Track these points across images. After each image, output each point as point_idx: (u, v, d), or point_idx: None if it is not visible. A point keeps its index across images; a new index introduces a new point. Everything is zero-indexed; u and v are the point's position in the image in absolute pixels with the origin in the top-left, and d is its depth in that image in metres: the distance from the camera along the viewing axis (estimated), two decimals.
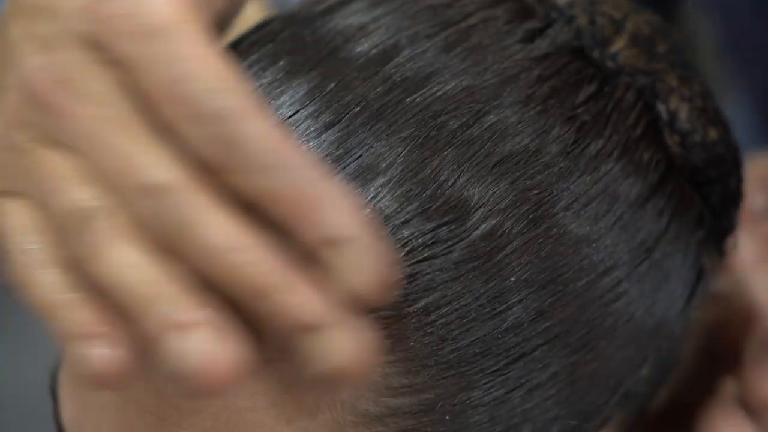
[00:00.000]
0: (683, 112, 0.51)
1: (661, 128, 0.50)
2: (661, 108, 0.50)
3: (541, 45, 0.49)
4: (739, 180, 0.54)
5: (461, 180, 0.45)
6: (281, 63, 0.47)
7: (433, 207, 0.45)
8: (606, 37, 0.51)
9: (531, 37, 0.49)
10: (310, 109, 0.46)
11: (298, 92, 0.46)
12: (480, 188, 0.45)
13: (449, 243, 0.45)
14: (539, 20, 0.50)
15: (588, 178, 0.47)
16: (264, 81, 0.47)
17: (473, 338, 0.45)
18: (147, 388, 0.45)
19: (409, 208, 0.45)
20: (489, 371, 0.46)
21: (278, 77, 0.47)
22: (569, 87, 0.48)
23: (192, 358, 0.38)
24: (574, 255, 0.47)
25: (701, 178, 0.52)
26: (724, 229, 0.54)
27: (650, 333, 0.50)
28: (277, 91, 0.46)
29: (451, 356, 0.45)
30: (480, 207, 0.45)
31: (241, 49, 0.49)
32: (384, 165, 0.45)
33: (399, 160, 0.45)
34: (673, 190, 0.50)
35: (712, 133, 0.52)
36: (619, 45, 0.51)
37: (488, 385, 0.46)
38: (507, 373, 0.46)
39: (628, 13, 0.52)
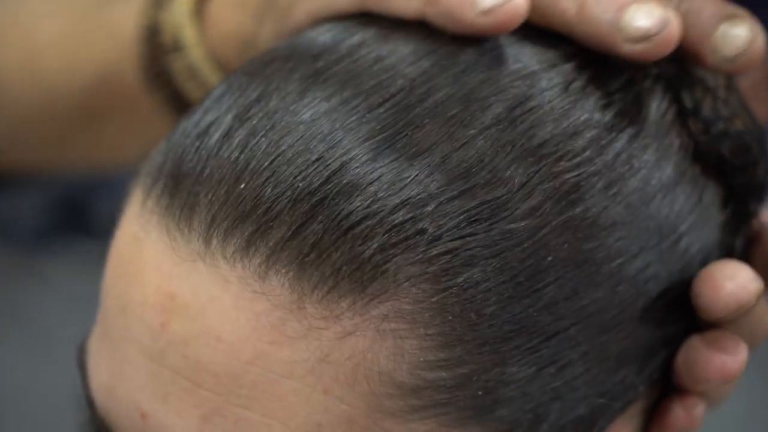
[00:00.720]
0: (707, 102, 0.52)
1: (686, 116, 0.52)
2: (687, 97, 0.52)
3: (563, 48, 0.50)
4: (765, 169, 0.55)
5: (504, 161, 0.46)
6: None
7: (477, 186, 0.46)
8: None
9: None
10: (358, 89, 0.47)
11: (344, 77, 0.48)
12: (522, 169, 0.46)
13: (491, 221, 0.46)
14: None
15: (622, 161, 0.49)
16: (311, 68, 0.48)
17: (509, 315, 0.46)
18: (185, 353, 0.45)
19: (453, 186, 0.45)
20: (523, 348, 0.47)
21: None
22: (604, 76, 0.50)
23: None
24: (608, 236, 0.48)
25: (726, 166, 0.53)
26: (746, 215, 0.55)
27: (658, 329, 0.51)
28: (326, 73, 0.48)
29: (488, 332, 0.46)
30: (521, 187, 0.46)
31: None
32: (429, 144, 0.46)
33: (444, 139, 0.46)
34: (699, 176, 0.52)
35: (737, 123, 0.53)
36: None
37: (522, 362, 0.47)
38: (540, 350, 0.47)
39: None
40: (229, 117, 0.47)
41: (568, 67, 0.49)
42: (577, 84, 0.49)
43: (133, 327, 0.47)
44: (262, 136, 0.46)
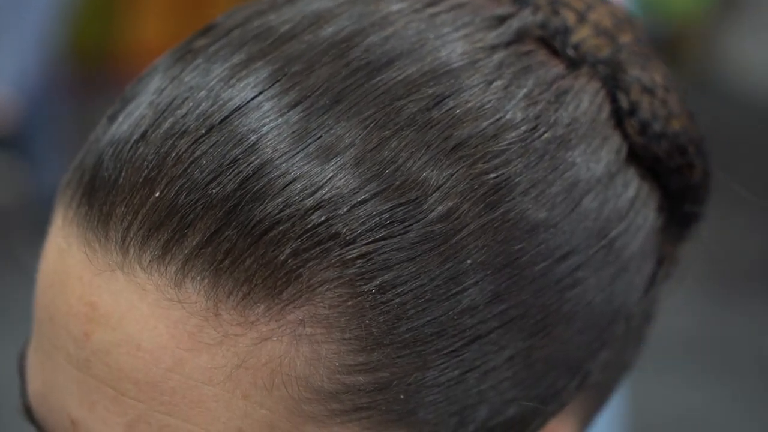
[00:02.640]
0: (645, 103, 0.52)
1: (622, 117, 0.51)
2: (623, 98, 0.51)
3: (504, 32, 0.50)
4: (705, 170, 0.55)
5: (419, 162, 0.46)
6: (246, 47, 0.48)
7: (391, 187, 0.45)
8: (568, 27, 0.51)
9: (495, 24, 0.50)
10: (274, 90, 0.47)
11: (262, 74, 0.47)
12: (437, 171, 0.46)
13: (406, 223, 0.45)
14: (505, 8, 0.51)
15: (546, 164, 0.48)
16: (230, 63, 0.48)
17: (429, 318, 0.46)
18: (108, 362, 0.46)
19: (366, 188, 0.45)
20: (444, 352, 0.46)
21: (243, 59, 0.48)
22: (530, 74, 0.49)
23: None
24: (530, 239, 0.47)
25: (662, 168, 0.52)
26: (686, 218, 0.55)
27: (609, 318, 0.51)
28: (243, 72, 0.47)
29: (407, 336, 0.46)
30: (437, 189, 0.46)
31: (209, 35, 0.50)
32: (343, 145, 0.46)
33: (358, 141, 0.46)
34: (633, 178, 0.51)
35: (675, 124, 0.53)
36: (582, 34, 0.52)
37: (443, 366, 0.46)
38: (462, 354, 0.47)
39: (592, 4, 0.53)
40: (148, 117, 0.47)
41: (490, 63, 0.49)
42: (499, 83, 0.48)
43: (60, 336, 0.47)
44: (177, 139, 0.46)
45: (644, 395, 2.12)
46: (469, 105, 0.47)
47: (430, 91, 0.47)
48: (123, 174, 0.46)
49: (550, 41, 0.51)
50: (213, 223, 0.45)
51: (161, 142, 0.46)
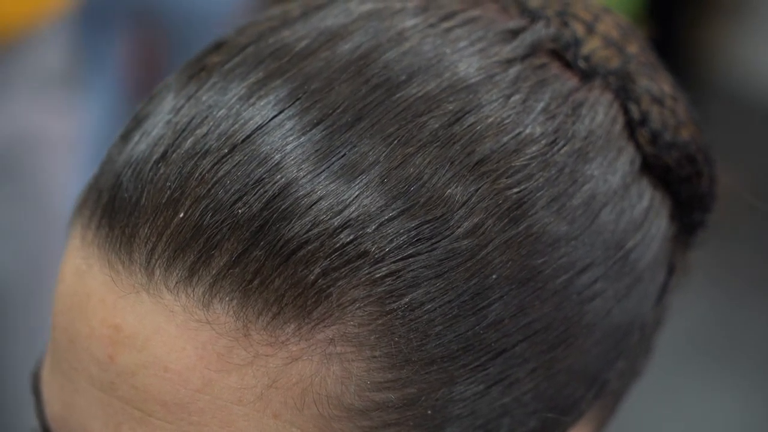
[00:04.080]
0: (654, 113, 0.52)
1: (634, 128, 0.52)
2: (634, 108, 0.52)
3: (519, 46, 0.50)
4: (711, 179, 0.55)
5: (444, 178, 0.46)
6: (263, 65, 0.48)
7: (417, 205, 0.45)
8: (579, 39, 0.52)
9: (509, 38, 0.50)
10: (295, 108, 0.46)
11: (282, 92, 0.47)
12: (462, 187, 0.46)
13: (433, 240, 0.45)
14: (517, 22, 0.51)
15: (566, 177, 0.48)
16: (247, 81, 0.47)
17: (456, 334, 0.46)
18: (134, 383, 0.45)
19: (393, 206, 0.45)
20: (470, 366, 0.47)
21: (261, 77, 0.47)
22: (546, 88, 0.49)
23: None
24: (552, 253, 0.47)
25: (673, 177, 0.53)
26: (694, 225, 0.55)
27: (626, 328, 0.51)
28: (262, 91, 0.47)
29: (435, 351, 0.46)
30: (462, 205, 0.46)
31: (221, 51, 0.50)
32: (367, 163, 0.46)
33: (382, 159, 0.46)
34: (646, 188, 0.51)
35: (683, 133, 0.53)
36: (592, 46, 0.52)
37: (470, 380, 0.47)
38: (488, 368, 0.47)
39: (598, 15, 0.54)
40: (167, 137, 0.47)
41: (507, 77, 0.49)
42: (517, 97, 0.48)
43: (82, 359, 0.47)
44: (200, 158, 0.46)
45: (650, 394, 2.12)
46: (490, 120, 0.47)
47: (450, 107, 0.47)
48: (145, 195, 0.46)
49: (563, 53, 0.51)
50: (240, 244, 0.44)
51: (183, 162, 0.46)
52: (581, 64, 0.51)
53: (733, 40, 3.37)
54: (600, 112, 0.50)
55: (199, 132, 0.46)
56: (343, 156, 0.45)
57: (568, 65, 0.51)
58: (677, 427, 2.26)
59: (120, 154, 0.48)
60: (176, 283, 0.45)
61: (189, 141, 0.46)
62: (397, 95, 0.47)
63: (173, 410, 0.45)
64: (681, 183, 0.53)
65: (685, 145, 0.53)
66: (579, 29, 0.52)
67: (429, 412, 0.46)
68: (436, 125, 0.47)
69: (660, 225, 0.52)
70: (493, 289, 0.46)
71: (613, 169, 0.50)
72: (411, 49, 0.49)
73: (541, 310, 0.47)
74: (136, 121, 0.49)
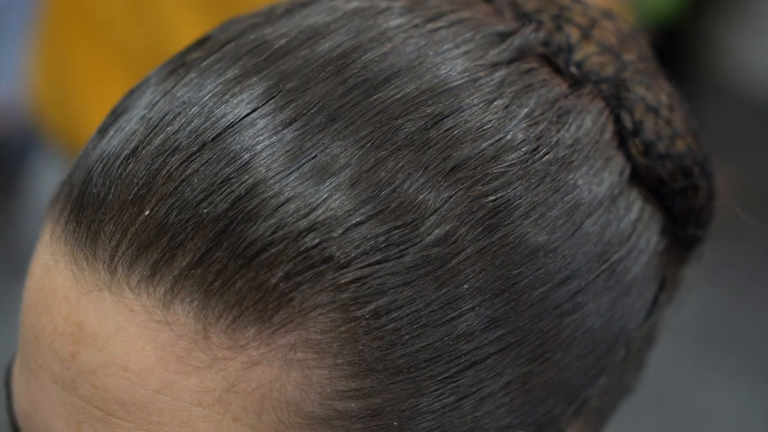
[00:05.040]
0: (649, 123, 0.50)
1: (625, 138, 0.50)
2: (626, 117, 0.50)
3: (506, 49, 0.49)
4: (709, 192, 0.53)
5: (416, 184, 0.45)
6: (240, 62, 0.47)
7: (387, 210, 0.44)
8: (572, 44, 0.50)
9: (497, 41, 0.49)
10: (268, 107, 0.45)
11: (256, 90, 0.46)
12: (435, 193, 0.45)
13: (402, 247, 0.44)
14: (507, 24, 0.50)
15: (547, 186, 0.47)
16: (223, 78, 0.47)
17: (424, 344, 0.45)
18: (94, 383, 0.45)
19: (362, 210, 0.44)
20: (439, 378, 0.45)
21: (237, 74, 0.46)
22: (531, 93, 0.48)
23: None
24: (529, 264, 0.46)
25: (666, 190, 0.51)
26: (689, 240, 0.54)
27: (609, 344, 0.50)
28: (236, 88, 0.46)
29: (401, 361, 0.45)
30: (434, 212, 0.45)
31: (203, 47, 0.49)
32: (338, 166, 0.44)
33: (353, 162, 0.44)
34: (636, 200, 0.50)
35: (679, 144, 0.51)
36: (585, 52, 0.51)
37: (438, 392, 0.45)
38: (458, 380, 0.46)
39: (596, 21, 0.52)
40: (139, 132, 0.46)
41: (491, 81, 0.47)
42: (500, 102, 0.47)
43: (46, 355, 0.46)
44: (169, 156, 0.45)
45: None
46: (468, 125, 0.46)
47: (428, 110, 0.46)
48: (112, 191, 0.45)
49: (553, 59, 0.50)
50: (204, 244, 0.43)
51: (152, 159, 0.45)
52: (573, 70, 0.50)
53: (734, 37, 3.36)
54: (588, 120, 0.49)
55: (170, 129, 0.45)
56: (313, 157, 0.44)
57: (559, 71, 0.50)
58: (679, 419, 2.26)
59: (94, 149, 0.47)
60: (138, 282, 0.44)
61: (159, 137, 0.45)
62: (374, 97, 0.46)
63: (132, 410, 0.44)
64: (675, 196, 0.52)
65: (680, 156, 0.51)
66: (573, 34, 0.51)
67: (395, 423, 0.45)
68: (413, 128, 0.45)
69: (650, 238, 0.51)
70: (465, 300, 0.45)
71: (599, 179, 0.48)
72: (393, 49, 0.47)
73: (516, 322, 0.46)
74: (114, 116, 0.48)
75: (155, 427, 0.44)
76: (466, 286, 0.45)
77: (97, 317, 0.44)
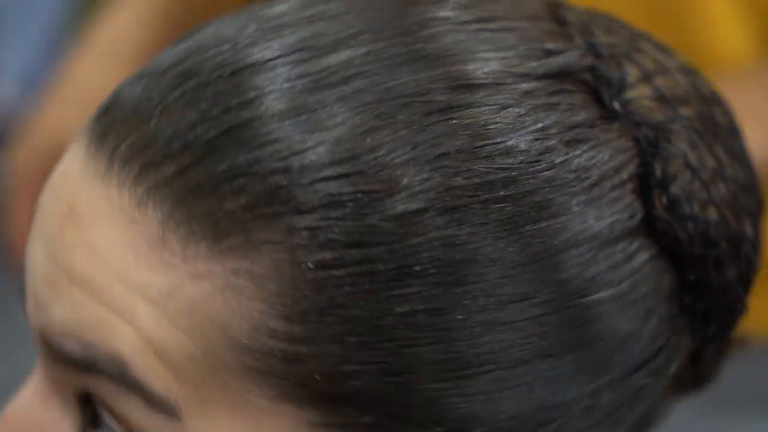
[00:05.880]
0: (682, 180, 0.49)
1: (650, 186, 0.49)
2: (658, 166, 0.49)
3: (543, 65, 0.49)
4: (743, 279, 0.52)
5: (399, 159, 0.46)
6: (289, 15, 0.50)
7: (360, 173, 0.46)
8: (624, 81, 0.50)
9: (540, 56, 0.49)
10: (292, 58, 0.48)
11: (288, 40, 0.49)
12: (414, 171, 0.46)
13: (364, 211, 0.45)
14: (559, 44, 0.50)
15: (533, 200, 0.47)
16: (266, 26, 0.49)
17: (361, 311, 0.46)
18: (70, 258, 0.49)
19: (337, 168, 0.46)
20: (371, 350, 0.46)
21: (278, 24, 0.49)
22: (553, 112, 0.48)
23: None
24: (490, 269, 0.46)
25: (682, 252, 0.50)
26: (703, 321, 0.52)
27: (560, 396, 0.49)
28: (272, 35, 0.49)
29: (335, 320, 0.46)
30: (407, 189, 0.46)
31: None
32: (331, 123, 0.46)
33: (347, 123, 0.46)
34: (642, 251, 0.49)
35: (711, 212, 0.50)
36: (637, 93, 0.50)
37: (365, 363, 0.46)
38: (389, 360, 0.46)
39: (669, 71, 0.52)
40: (179, 53, 0.50)
41: (515, 90, 0.48)
42: (514, 110, 0.47)
43: (44, 226, 0.51)
44: (188, 79, 0.48)
45: None
46: (472, 121, 0.47)
47: (439, 98, 0.47)
48: (133, 100, 0.49)
49: (597, 89, 0.50)
50: (188, 160, 0.47)
51: (173, 80, 0.49)
52: (615, 105, 0.49)
53: None
54: (605, 153, 0.48)
55: (200, 58, 0.49)
56: (313, 111, 0.47)
57: (600, 102, 0.49)
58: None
59: (151, 61, 0.51)
60: (125, 179, 0.48)
61: (188, 62, 0.49)
62: (392, 73, 0.47)
63: (90, 286, 0.48)
64: (691, 264, 0.50)
65: (707, 223, 0.50)
66: (633, 73, 0.50)
67: (318, 377, 0.46)
68: (417, 110, 0.47)
69: (648, 298, 0.49)
70: (413, 280, 0.46)
71: (599, 214, 0.48)
72: (431, 36, 0.49)
73: (463, 322, 0.46)
74: (188, 33, 0.52)
75: (105, 305, 0.48)
76: (417, 268, 0.45)
77: (87, 202, 0.49)
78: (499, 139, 0.47)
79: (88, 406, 0.50)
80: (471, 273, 0.46)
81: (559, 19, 0.51)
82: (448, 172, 0.46)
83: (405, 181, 0.45)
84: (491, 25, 0.50)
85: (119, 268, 0.47)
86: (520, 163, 0.47)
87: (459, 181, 0.46)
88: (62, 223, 0.49)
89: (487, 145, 0.47)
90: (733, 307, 0.52)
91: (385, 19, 0.49)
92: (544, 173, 0.47)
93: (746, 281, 0.52)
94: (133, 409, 0.48)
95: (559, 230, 0.47)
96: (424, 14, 0.49)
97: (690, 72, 0.53)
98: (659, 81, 0.51)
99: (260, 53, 0.48)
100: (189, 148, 0.47)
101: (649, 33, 0.54)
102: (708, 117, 0.52)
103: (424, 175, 0.46)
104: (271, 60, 0.48)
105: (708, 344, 0.53)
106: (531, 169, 0.47)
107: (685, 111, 0.51)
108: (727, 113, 0.53)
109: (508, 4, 0.51)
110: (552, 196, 0.47)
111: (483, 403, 0.48)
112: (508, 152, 0.47)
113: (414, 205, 0.45)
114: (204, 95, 0.48)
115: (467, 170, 0.46)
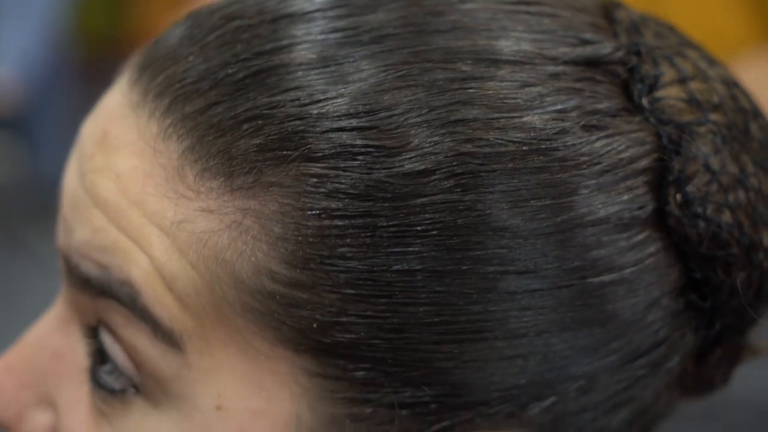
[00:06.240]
0: (700, 181, 0.49)
1: (666, 182, 0.49)
2: (677, 165, 0.49)
3: (575, 52, 0.49)
4: (754, 284, 0.51)
5: (414, 120, 0.47)
6: None
7: (375, 129, 0.47)
8: (657, 80, 0.50)
9: (574, 43, 0.50)
10: (330, 13, 0.49)
11: None
12: (427, 133, 0.47)
13: (372, 166, 0.46)
14: (597, 35, 0.50)
15: (542, 177, 0.47)
16: None
17: (360, 264, 0.47)
18: (95, 180, 0.51)
19: (352, 120, 0.47)
20: (368, 302, 0.47)
21: None
22: (575, 96, 0.48)
23: None
24: (493, 238, 0.47)
25: (691, 251, 0.50)
26: (708, 318, 0.52)
27: (566, 364, 0.49)
28: None
29: (336, 269, 0.47)
30: (417, 148, 0.46)
31: None
32: (354, 78, 0.48)
33: (370, 79, 0.47)
34: (650, 242, 0.49)
35: (726, 215, 0.50)
36: (670, 92, 0.50)
37: (363, 316, 0.47)
38: (386, 316, 0.47)
39: (707, 78, 0.52)
40: (226, 1, 0.52)
41: (542, 70, 0.48)
42: (536, 89, 0.48)
43: (81, 149, 0.52)
44: (230, 21, 0.50)
45: None
46: (490, 92, 0.48)
47: (463, 68, 0.48)
48: (177, 37, 0.51)
49: (628, 82, 0.50)
50: (214, 98, 0.48)
51: (217, 21, 0.50)
52: (643, 101, 0.50)
53: None
54: (621, 142, 0.49)
55: (247, 2, 0.51)
56: (340, 64, 0.48)
57: (628, 96, 0.50)
58: None
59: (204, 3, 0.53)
60: (154, 111, 0.49)
61: (234, 6, 0.51)
62: (423, 38, 0.49)
63: (110, 209, 0.50)
64: (700, 262, 0.50)
65: (719, 225, 0.50)
66: (669, 74, 0.51)
67: (315, 325, 0.47)
68: (440, 76, 0.48)
69: (651, 286, 0.49)
70: (415, 239, 0.46)
71: (608, 200, 0.48)
72: (468, 11, 0.50)
73: (460, 286, 0.47)
74: None
75: (124, 229, 0.49)
76: (419, 228, 0.46)
77: (118, 130, 0.50)
78: (515, 114, 0.47)
79: (96, 341, 0.52)
80: (472, 240, 0.46)
81: (608, 16, 0.52)
82: (459, 138, 0.46)
83: (416, 141, 0.46)
84: (532, 8, 0.50)
85: (138, 195, 0.49)
86: (533, 139, 0.47)
87: (469, 147, 0.46)
88: (95, 148, 0.51)
89: (503, 117, 0.47)
90: (741, 312, 0.52)
91: None
92: (556, 152, 0.47)
93: (758, 289, 0.52)
94: (141, 338, 0.49)
95: (564, 209, 0.47)
96: None
97: (733, 84, 0.53)
98: (695, 85, 0.51)
99: (301, 4, 0.50)
100: (217, 86, 0.48)
101: (701, 44, 0.54)
102: (741, 127, 0.52)
103: (436, 138, 0.46)
104: (310, 12, 0.49)
105: (714, 346, 0.53)
106: (543, 146, 0.47)
107: (715, 117, 0.51)
108: (765, 128, 0.53)
109: None
110: (560, 175, 0.47)
111: (475, 371, 0.48)
112: (522, 127, 0.47)
113: (422, 166, 0.46)
114: (242, 37, 0.49)
115: (479, 139, 0.47)
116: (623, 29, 0.52)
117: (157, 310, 0.48)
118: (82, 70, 2.91)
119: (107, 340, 0.50)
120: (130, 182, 0.49)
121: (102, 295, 0.50)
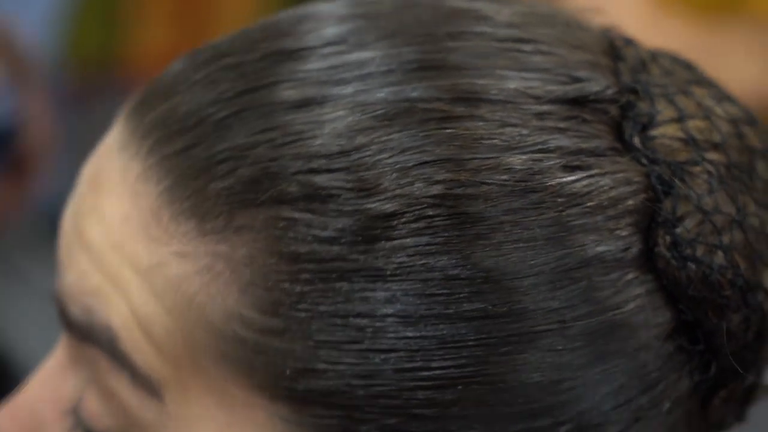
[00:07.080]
0: (691, 222, 0.48)
1: (656, 223, 0.48)
2: (667, 206, 0.48)
3: (563, 90, 0.48)
4: (751, 324, 0.50)
5: (385, 161, 0.46)
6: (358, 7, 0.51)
7: (345, 170, 0.46)
8: (653, 117, 0.49)
9: (566, 81, 0.49)
10: (321, 51, 0.49)
11: (326, 33, 0.49)
12: (396, 176, 0.46)
13: (342, 207, 0.46)
14: (591, 73, 0.50)
15: (517, 218, 0.46)
16: (323, 8, 0.51)
17: (329, 308, 0.46)
18: (82, 222, 0.51)
19: (322, 161, 0.46)
20: (338, 346, 0.46)
21: (322, 16, 0.51)
22: (559, 135, 0.47)
23: None
24: (456, 285, 0.46)
25: (681, 294, 0.48)
26: (702, 361, 0.50)
27: (547, 408, 0.48)
28: (316, 23, 0.50)
29: (303, 315, 0.46)
30: (384, 192, 0.46)
31: None
32: (332, 117, 0.47)
33: (347, 119, 0.47)
34: (636, 284, 0.48)
35: (719, 258, 0.48)
36: (665, 131, 0.49)
37: (334, 358, 0.46)
38: (359, 363, 0.46)
39: (712, 117, 0.50)
40: (223, 39, 0.51)
41: (526, 110, 0.47)
42: (517, 130, 0.47)
43: (77, 191, 0.53)
44: (219, 60, 0.50)
45: None
46: (466, 133, 0.47)
47: (440, 107, 0.47)
48: (171, 76, 0.51)
49: (620, 122, 0.49)
50: (193, 138, 0.48)
51: (209, 58, 0.50)
52: (635, 139, 0.49)
53: None
54: (605, 182, 0.47)
55: (240, 40, 0.51)
56: (320, 104, 0.47)
57: (618, 134, 0.49)
58: None
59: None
60: (139, 151, 0.49)
61: (228, 44, 0.51)
62: (408, 77, 0.48)
63: (94, 252, 0.50)
64: (689, 303, 0.48)
65: (710, 267, 0.48)
66: (666, 113, 0.50)
67: (287, 372, 0.47)
68: (416, 116, 0.47)
69: (644, 326, 0.48)
70: (384, 283, 0.46)
71: (586, 242, 0.47)
72: (457, 48, 0.49)
73: (434, 330, 0.46)
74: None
75: (104, 274, 0.49)
76: (387, 272, 0.46)
77: (107, 170, 0.51)
78: (491, 155, 0.46)
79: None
80: (438, 285, 0.46)
81: (614, 53, 0.51)
82: (429, 180, 0.46)
83: (386, 183, 0.46)
84: (526, 47, 0.49)
85: (118, 238, 0.49)
86: (508, 180, 0.46)
87: (438, 189, 0.46)
88: (87, 188, 0.51)
89: (476, 158, 0.46)
90: (742, 354, 0.50)
91: (422, 26, 0.49)
92: (532, 194, 0.46)
93: (759, 330, 0.50)
94: (121, 386, 0.49)
95: (561, 246, 0.46)
96: (461, 26, 0.50)
97: (740, 122, 0.51)
98: (694, 124, 0.50)
99: (292, 42, 0.49)
100: (199, 126, 0.48)
101: (714, 80, 0.53)
102: (744, 166, 0.50)
103: (406, 180, 0.46)
104: (300, 50, 0.49)
105: (715, 389, 0.51)
106: (518, 188, 0.46)
107: (713, 156, 0.49)
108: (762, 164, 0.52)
109: (559, 31, 0.51)
110: (537, 218, 0.46)
111: (457, 419, 0.47)
112: (497, 168, 0.46)
113: (392, 208, 0.45)
114: (228, 76, 0.49)
115: (450, 180, 0.46)
116: (627, 67, 0.51)
117: (135, 357, 0.48)
118: (75, 94, 2.90)
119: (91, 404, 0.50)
120: (113, 224, 0.49)
121: (88, 340, 0.50)
